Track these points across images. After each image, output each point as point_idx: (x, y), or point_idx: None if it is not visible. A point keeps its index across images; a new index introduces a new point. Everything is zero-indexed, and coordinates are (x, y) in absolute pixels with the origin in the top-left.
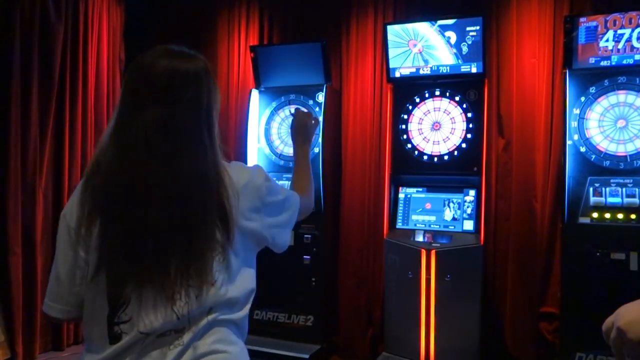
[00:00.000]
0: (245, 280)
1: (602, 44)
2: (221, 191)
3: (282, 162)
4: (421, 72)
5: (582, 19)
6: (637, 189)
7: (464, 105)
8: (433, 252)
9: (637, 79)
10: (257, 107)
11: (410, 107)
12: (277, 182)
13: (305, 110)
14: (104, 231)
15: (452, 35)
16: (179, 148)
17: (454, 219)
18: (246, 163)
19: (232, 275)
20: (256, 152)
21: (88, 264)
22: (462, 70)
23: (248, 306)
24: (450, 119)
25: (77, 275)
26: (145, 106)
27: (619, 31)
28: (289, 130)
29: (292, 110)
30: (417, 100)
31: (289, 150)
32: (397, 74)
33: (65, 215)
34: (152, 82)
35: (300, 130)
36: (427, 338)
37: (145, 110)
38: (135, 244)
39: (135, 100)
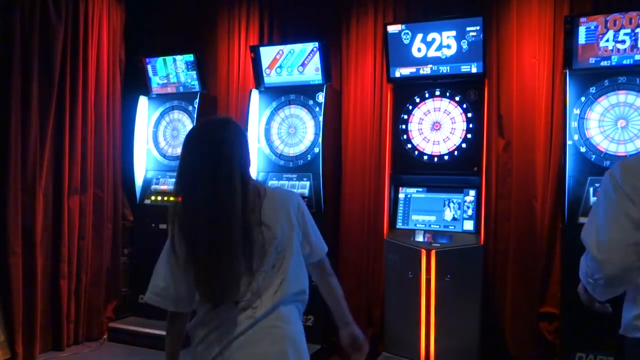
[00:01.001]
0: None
1: (602, 44)
2: None
3: (282, 162)
4: (421, 72)
5: (582, 19)
6: None
7: (464, 105)
8: (433, 252)
9: (637, 79)
10: (257, 107)
11: (411, 107)
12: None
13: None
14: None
15: (452, 35)
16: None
17: (454, 219)
18: None
19: (289, 275)
20: (256, 152)
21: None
22: (462, 70)
23: (303, 297)
24: (451, 119)
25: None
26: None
27: (620, 31)
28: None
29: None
30: (417, 100)
31: (288, 151)
32: (397, 74)
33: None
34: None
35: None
36: (427, 338)
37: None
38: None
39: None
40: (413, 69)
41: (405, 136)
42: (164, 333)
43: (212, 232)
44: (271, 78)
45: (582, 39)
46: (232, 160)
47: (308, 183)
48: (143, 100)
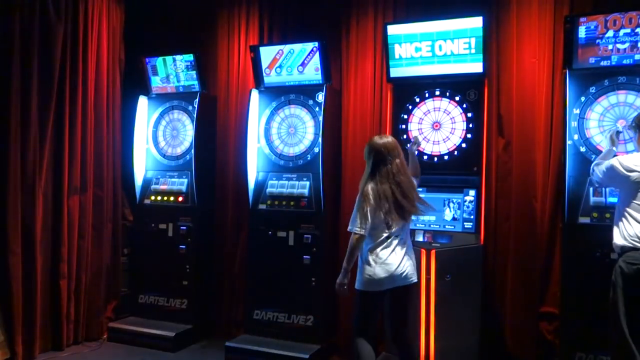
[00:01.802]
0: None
1: (602, 44)
2: None
3: (282, 162)
4: (421, 71)
5: (582, 19)
6: None
7: (464, 105)
8: (433, 252)
9: (637, 79)
10: (257, 107)
11: (410, 107)
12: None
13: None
14: (388, 207)
15: (452, 35)
16: None
17: (454, 218)
18: (246, 162)
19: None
20: (256, 152)
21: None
22: (462, 70)
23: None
24: (451, 119)
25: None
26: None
27: (619, 31)
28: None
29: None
30: (417, 100)
31: (288, 150)
32: (397, 74)
33: (369, 196)
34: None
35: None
36: (427, 338)
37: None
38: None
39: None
40: (413, 69)
41: (405, 136)
42: (163, 333)
43: (393, 198)
44: (271, 78)
45: (582, 39)
46: (400, 157)
47: (308, 183)
48: (143, 100)
